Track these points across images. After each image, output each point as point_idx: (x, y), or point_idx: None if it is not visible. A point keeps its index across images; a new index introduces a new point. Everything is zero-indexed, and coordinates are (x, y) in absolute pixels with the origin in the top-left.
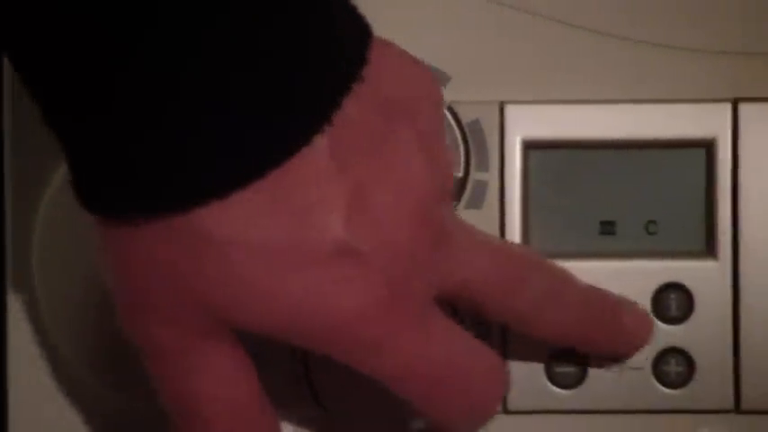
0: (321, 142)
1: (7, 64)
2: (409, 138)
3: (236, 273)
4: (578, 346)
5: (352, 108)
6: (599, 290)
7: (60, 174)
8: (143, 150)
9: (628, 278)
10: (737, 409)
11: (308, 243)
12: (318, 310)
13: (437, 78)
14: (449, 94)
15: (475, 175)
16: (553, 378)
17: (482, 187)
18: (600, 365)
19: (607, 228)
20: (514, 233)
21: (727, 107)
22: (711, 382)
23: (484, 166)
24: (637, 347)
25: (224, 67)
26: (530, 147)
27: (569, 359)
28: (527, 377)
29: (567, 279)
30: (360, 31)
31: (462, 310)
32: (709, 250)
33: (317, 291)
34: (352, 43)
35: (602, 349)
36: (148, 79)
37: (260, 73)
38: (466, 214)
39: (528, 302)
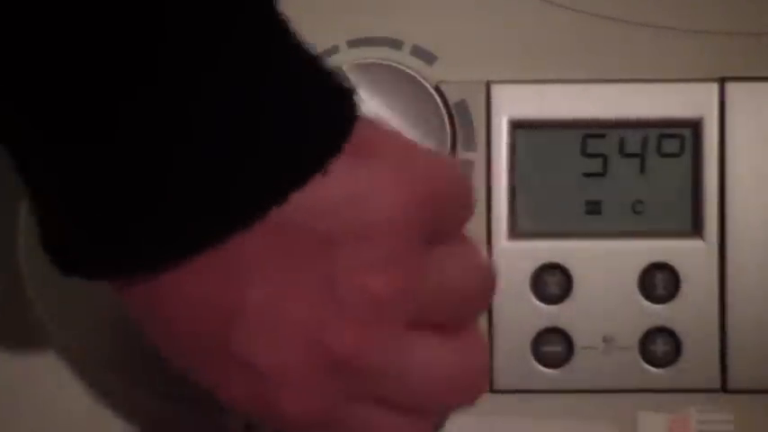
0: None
1: None
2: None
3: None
4: None
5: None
6: None
7: None
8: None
9: (614, 258)
10: (724, 388)
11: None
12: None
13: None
14: (436, 74)
15: (462, 155)
16: (539, 357)
17: (469, 167)
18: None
19: (593, 207)
20: (501, 212)
21: (714, 86)
22: (698, 361)
23: (471, 146)
24: None
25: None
26: (516, 126)
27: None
28: (513, 356)
29: None
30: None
31: None
32: (696, 230)
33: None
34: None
35: None
36: (154, 122)
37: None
38: None
39: None
